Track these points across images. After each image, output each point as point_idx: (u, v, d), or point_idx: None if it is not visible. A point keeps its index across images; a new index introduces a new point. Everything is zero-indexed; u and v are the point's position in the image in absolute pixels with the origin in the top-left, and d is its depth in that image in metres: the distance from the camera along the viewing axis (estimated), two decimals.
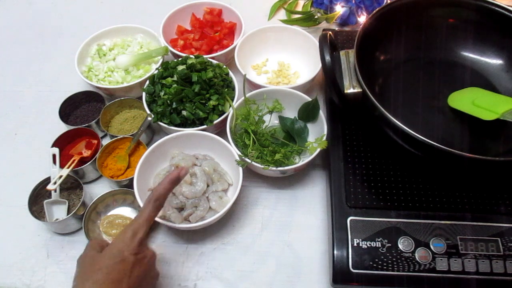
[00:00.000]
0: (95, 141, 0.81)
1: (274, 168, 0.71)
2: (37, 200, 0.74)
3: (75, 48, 0.90)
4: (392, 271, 0.61)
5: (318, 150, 0.72)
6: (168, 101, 0.78)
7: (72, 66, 0.88)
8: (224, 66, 0.85)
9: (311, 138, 0.80)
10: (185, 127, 0.78)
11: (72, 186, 0.77)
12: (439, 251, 0.62)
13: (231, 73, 0.85)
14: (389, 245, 0.63)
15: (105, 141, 0.81)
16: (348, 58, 0.71)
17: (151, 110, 0.80)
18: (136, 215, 0.58)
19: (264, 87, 0.82)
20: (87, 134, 0.82)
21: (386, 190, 0.68)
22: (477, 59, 0.78)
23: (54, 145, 0.78)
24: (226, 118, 0.78)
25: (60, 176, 0.73)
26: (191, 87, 0.78)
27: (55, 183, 0.73)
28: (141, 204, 0.68)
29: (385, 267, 0.61)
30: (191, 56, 0.83)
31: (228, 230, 0.74)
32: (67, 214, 0.73)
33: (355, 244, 0.63)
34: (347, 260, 0.62)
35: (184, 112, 0.77)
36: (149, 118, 0.79)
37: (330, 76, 0.66)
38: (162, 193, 0.59)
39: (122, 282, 0.51)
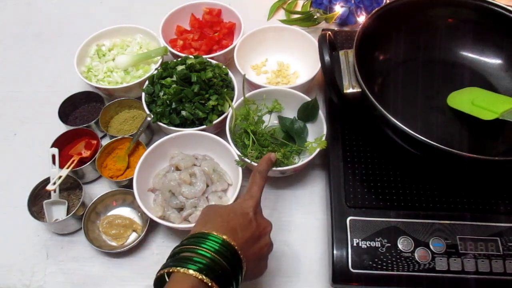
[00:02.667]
0: (95, 142, 0.81)
1: (274, 168, 0.71)
2: (37, 200, 0.74)
3: (75, 48, 0.90)
4: (391, 271, 0.61)
5: (318, 150, 0.72)
6: (168, 101, 0.78)
7: (71, 67, 0.88)
8: (224, 66, 0.85)
9: (310, 138, 0.80)
10: (184, 127, 0.78)
11: (71, 187, 0.77)
12: (439, 250, 0.62)
13: (230, 73, 0.85)
14: (389, 245, 0.63)
15: (105, 142, 0.81)
16: (347, 58, 0.71)
17: (150, 110, 0.80)
18: (247, 189, 0.60)
19: (263, 87, 0.82)
20: (87, 134, 0.82)
21: (386, 190, 0.68)
22: (476, 59, 0.78)
23: (53, 145, 0.78)
24: (225, 118, 0.78)
25: (60, 177, 0.73)
26: (191, 87, 0.78)
27: (54, 183, 0.73)
28: (141, 205, 0.68)
29: (384, 267, 0.61)
30: (191, 56, 0.83)
31: None
32: (67, 215, 0.73)
33: (354, 244, 0.63)
34: (347, 260, 0.62)
35: (183, 112, 0.77)
36: (149, 119, 0.79)
37: (329, 76, 0.66)
38: (261, 169, 0.62)
39: (237, 232, 0.52)
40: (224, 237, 0.50)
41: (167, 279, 0.47)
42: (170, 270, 0.47)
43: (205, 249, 0.48)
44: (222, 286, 0.47)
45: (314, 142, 0.73)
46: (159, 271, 0.48)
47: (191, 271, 0.46)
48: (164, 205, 0.72)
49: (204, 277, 0.45)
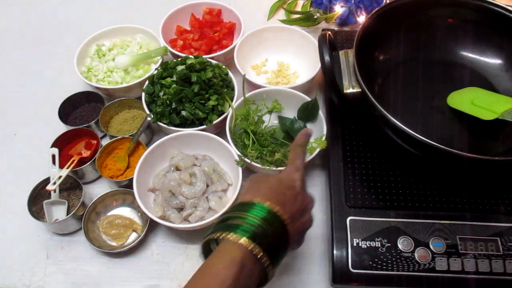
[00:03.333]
0: (95, 142, 0.81)
1: (274, 168, 0.71)
2: (37, 200, 0.74)
3: (75, 49, 0.90)
4: (391, 271, 0.61)
5: (318, 150, 0.72)
6: (168, 101, 0.78)
7: (71, 67, 0.88)
8: (224, 66, 0.85)
9: (311, 138, 0.80)
10: (184, 127, 0.78)
11: (71, 187, 0.77)
12: (439, 250, 0.62)
13: (230, 73, 0.85)
14: (389, 245, 0.63)
15: (105, 142, 0.81)
16: (347, 58, 0.71)
17: (150, 110, 0.80)
18: (289, 162, 0.59)
19: (263, 87, 0.82)
20: (87, 134, 0.82)
21: (386, 190, 0.68)
22: (476, 59, 0.78)
23: (53, 145, 0.78)
24: (225, 118, 0.78)
25: (60, 177, 0.73)
26: (191, 87, 0.78)
27: (54, 183, 0.73)
28: (141, 205, 0.68)
29: (384, 267, 0.61)
30: (191, 56, 0.83)
31: None
32: (67, 215, 0.73)
33: (354, 244, 0.63)
34: (347, 260, 0.62)
35: (183, 112, 0.77)
36: (149, 119, 0.79)
37: (329, 76, 0.66)
38: (301, 142, 0.61)
39: (286, 206, 0.50)
40: (276, 208, 0.48)
41: (213, 248, 0.46)
42: (221, 236, 0.45)
43: (256, 218, 0.46)
44: (270, 258, 0.45)
45: (314, 142, 0.73)
46: (207, 235, 0.47)
47: (243, 239, 0.44)
48: (164, 205, 0.72)
49: (254, 245, 0.44)
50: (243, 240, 0.44)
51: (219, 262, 0.44)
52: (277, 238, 0.47)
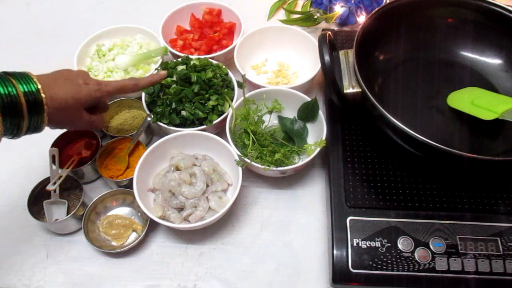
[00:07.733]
0: (95, 142, 0.81)
1: (274, 168, 0.71)
2: (37, 200, 0.74)
3: (75, 49, 0.90)
4: (391, 271, 0.61)
5: (318, 150, 0.72)
6: (168, 101, 0.78)
7: (71, 67, 0.88)
8: (224, 66, 0.85)
9: (310, 138, 0.80)
10: (184, 127, 0.78)
11: (71, 187, 0.77)
12: (439, 250, 0.62)
13: (230, 73, 0.85)
14: (389, 245, 0.63)
15: (105, 142, 0.81)
16: (347, 58, 0.71)
17: (150, 111, 0.80)
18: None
19: (263, 87, 0.82)
20: (87, 134, 0.82)
21: (386, 190, 0.68)
22: (476, 59, 0.78)
23: (53, 145, 0.78)
24: (225, 118, 0.78)
25: (60, 177, 0.73)
26: (191, 87, 0.78)
27: (54, 183, 0.73)
28: (141, 205, 0.68)
29: (384, 267, 0.61)
30: (192, 56, 0.83)
31: (227, 230, 0.74)
32: (67, 215, 0.73)
33: (354, 244, 0.63)
34: (347, 260, 0.62)
35: (183, 112, 0.77)
36: (149, 119, 0.79)
37: (329, 76, 0.66)
38: (142, 84, 0.72)
39: (50, 84, 0.60)
40: (35, 79, 0.58)
41: None
42: None
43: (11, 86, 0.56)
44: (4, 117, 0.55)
45: (314, 145, 0.73)
46: None
47: None
48: (164, 205, 0.72)
49: None
50: None
51: None
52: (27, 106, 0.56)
